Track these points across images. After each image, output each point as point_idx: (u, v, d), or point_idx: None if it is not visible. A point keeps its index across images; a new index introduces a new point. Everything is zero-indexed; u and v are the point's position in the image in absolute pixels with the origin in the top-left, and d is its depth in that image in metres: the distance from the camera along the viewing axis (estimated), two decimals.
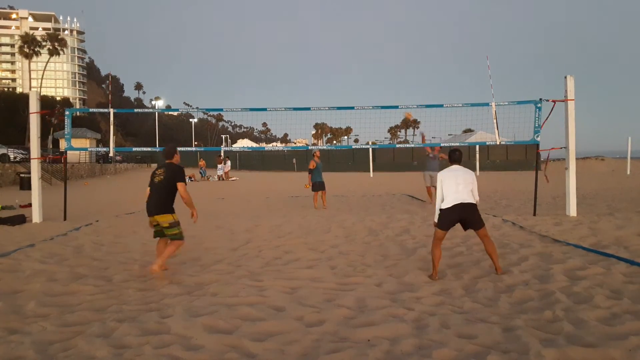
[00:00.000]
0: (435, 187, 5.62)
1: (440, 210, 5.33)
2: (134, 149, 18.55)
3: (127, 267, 6.14)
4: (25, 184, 21.61)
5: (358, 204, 14.33)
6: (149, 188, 5.90)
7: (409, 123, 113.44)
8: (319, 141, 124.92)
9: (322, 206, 13.28)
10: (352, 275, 5.60)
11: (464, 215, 5.28)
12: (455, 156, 5.54)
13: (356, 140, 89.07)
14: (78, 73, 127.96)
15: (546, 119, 10.05)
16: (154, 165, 62.21)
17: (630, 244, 6.97)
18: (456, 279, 5.33)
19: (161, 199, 5.76)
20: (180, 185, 5.74)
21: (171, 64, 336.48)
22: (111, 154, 14.16)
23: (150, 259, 6.65)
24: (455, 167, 5.49)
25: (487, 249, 5.44)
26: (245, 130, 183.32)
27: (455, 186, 5.26)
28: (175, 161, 5.98)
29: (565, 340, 3.47)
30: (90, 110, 18.46)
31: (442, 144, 22.77)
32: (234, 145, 78.02)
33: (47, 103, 45.88)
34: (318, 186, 13.23)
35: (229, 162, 35.38)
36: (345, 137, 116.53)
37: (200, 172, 34.28)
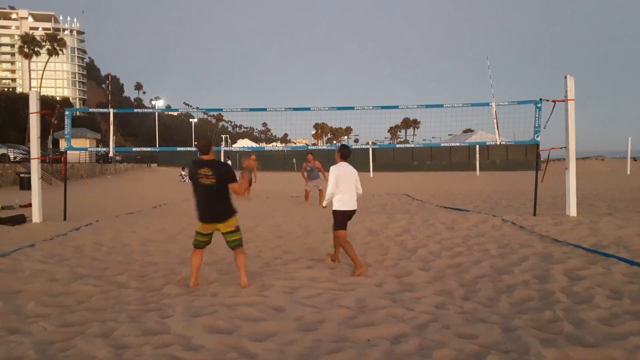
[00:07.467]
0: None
1: (339, 211, 5.82)
2: (134, 149, 18.55)
3: (127, 267, 6.14)
4: (25, 184, 21.61)
5: (357, 204, 14.30)
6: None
7: (409, 123, 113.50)
8: (319, 141, 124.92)
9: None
10: (352, 275, 5.60)
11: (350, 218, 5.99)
12: (347, 153, 5.97)
13: (356, 140, 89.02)
14: (78, 73, 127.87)
15: (547, 120, 10.03)
16: (154, 166, 61.55)
17: (630, 244, 6.97)
18: (456, 279, 5.33)
19: (218, 202, 4.98)
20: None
21: (171, 64, 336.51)
22: (111, 154, 14.13)
23: (150, 259, 6.65)
24: (345, 164, 5.92)
25: (343, 248, 5.80)
26: (245, 130, 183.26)
27: (350, 187, 5.82)
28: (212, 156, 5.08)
29: (565, 340, 3.47)
30: (90, 110, 18.36)
31: (442, 144, 22.94)
32: (234, 145, 77.92)
33: (47, 103, 45.87)
34: None
35: (229, 162, 35.38)
36: (345, 137, 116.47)
37: None
